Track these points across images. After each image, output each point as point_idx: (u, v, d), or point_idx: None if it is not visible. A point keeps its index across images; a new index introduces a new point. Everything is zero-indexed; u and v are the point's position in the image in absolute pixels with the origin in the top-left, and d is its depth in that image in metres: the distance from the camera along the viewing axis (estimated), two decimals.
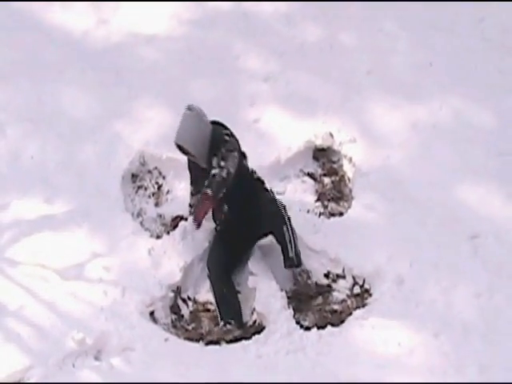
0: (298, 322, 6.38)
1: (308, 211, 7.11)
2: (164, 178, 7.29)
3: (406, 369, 6.00)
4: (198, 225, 6.52)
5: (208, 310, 6.50)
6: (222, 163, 6.37)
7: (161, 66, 8.01)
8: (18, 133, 7.42)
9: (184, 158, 6.89)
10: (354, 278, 6.65)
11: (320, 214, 7.10)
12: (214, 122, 6.61)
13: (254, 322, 6.43)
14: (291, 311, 6.43)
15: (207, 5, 8.63)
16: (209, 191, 6.32)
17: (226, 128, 6.62)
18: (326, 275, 6.70)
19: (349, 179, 7.32)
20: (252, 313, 6.45)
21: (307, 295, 6.59)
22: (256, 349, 6.17)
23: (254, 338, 6.28)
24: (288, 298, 6.51)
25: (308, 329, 6.33)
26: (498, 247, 6.66)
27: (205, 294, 6.56)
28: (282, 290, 6.52)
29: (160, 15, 8.50)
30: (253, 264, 6.63)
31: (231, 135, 6.58)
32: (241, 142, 6.79)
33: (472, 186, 7.09)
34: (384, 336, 6.17)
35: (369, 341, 6.17)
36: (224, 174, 6.34)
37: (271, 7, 8.62)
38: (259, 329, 6.35)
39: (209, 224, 6.69)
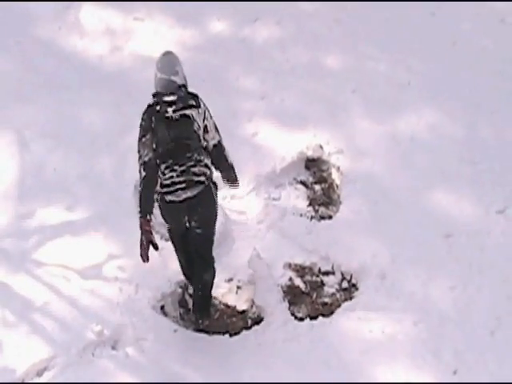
0: (292, 314, 6.39)
1: (301, 215, 7.12)
2: None
3: (388, 354, 6.02)
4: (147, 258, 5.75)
5: (212, 305, 6.48)
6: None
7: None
8: (42, 148, 7.42)
9: None
10: (342, 273, 6.66)
11: (311, 218, 7.11)
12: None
13: (254, 314, 6.43)
14: (286, 304, 6.44)
15: (209, 32, 8.65)
16: (139, 215, 5.68)
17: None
18: (318, 272, 6.70)
19: (337, 186, 7.32)
20: (251, 306, 6.45)
21: (301, 290, 6.59)
22: (255, 338, 6.18)
23: (253, 328, 6.29)
24: (283, 292, 6.52)
25: (302, 320, 6.34)
26: (470, 245, 6.67)
27: None
28: (278, 285, 6.53)
29: (167, 42, 8.47)
30: (251, 262, 6.63)
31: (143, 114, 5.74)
32: (240, 154, 6.82)
33: (446, 191, 7.09)
34: (369, 325, 6.18)
35: (356, 329, 6.18)
36: (140, 181, 5.70)
37: (266, 34, 8.63)
38: (258, 320, 6.36)
39: None
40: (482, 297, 6.34)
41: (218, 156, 5.91)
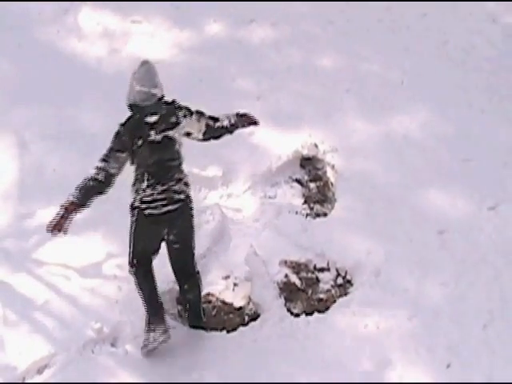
0: (288, 310, 6.38)
1: (296, 212, 7.11)
2: None
3: (383, 349, 6.00)
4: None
5: (209, 302, 6.47)
6: None
7: (165, 88, 7.97)
8: (42, 149, 7.42)
9: (187, 167, 6.94)
10: (337, 270, 6.65)
11: (307, 215, 7.10)
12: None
13: (250, 310, 6.42)
14: (283, 300, 6.43)
15: (206, 34, 8.65)
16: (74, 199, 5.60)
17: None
18: (313, 268, 6.70)
19: (332, 184, 7.32)
20: (248, 303, 6.44)
21: (296, 286, 6.59)
22: (252, 334, 6.17)
23: (250, 324, 6.28)
24: (280, 289, 6.51)
25: (297, 316, 6.33)
26: (462, 241, 6.66)
27: (206, 286, 6.54)
28: (274, 282, 6.53)
29: (164, 44, 8.52)
30: (248, 259, 6.63)
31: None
32: (236, 153, 6.85)
33: (439, 189, 7.09)
34: (364, 320, 6.17)
35: (351, 325, 6.17)
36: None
37: (262, 35, 8.64)
38: (255, 316, 6.35)
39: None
40: (474, 292, 6.33)
41: (214, 132, 5.87)
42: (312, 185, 7.37)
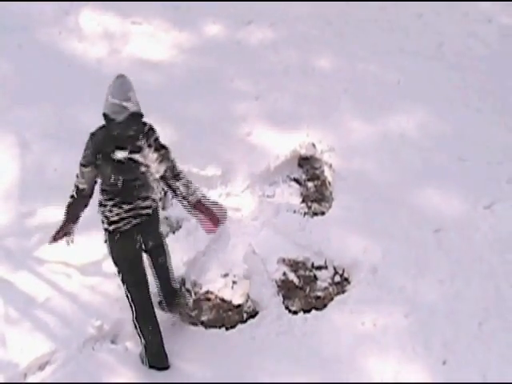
0: (286, 308, 6.38)
1: (294, 211, 7.11)
2: None
3: (380, 345, 6.01)
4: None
5: (209, 299, 6.48)
6: None
7: (165, 88, 8.01)
8: (43, 149, 7.41)
9: (186, 167, 6.96)
10: (334, 268, 6.65)
11: (305, 214, 7.10)
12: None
13: (249, 308, 6.42)
14: (281, 298, 6.43)
15: (205, 35, 8.64)
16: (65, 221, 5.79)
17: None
18: (311, 266, 6.70)
19: (329, 183, 7.32)
20: (247, 300, 6.44)
21: (294, 284, 6.59)
22: (250, 331, 6.17)
23: (248, 322, 6.28)
24: (278, 286, 6.51)
25: (295, 313, 6.33)
26: (458, 240, 6.67)
27: (206, 284, 6.56)
28: (272, 280, 6.53)
29: (164, 45, 8.52)
30: (246, 257, 6.63)
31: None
32: (235, 153, 6.86)
33: (435, 188, 7.09)
34: (361, 318, 6.18)
35: (348, 322, 6.17)
36: None
37: (260, 37, 8.64)
38: (253, 314, 6.35)
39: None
40: (470, 289, 6.34)
41: (169, 187, 5.62)
42: (310, 184, 7.37)
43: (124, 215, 5.53)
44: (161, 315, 6.17)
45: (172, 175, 5.55)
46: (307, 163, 7.49)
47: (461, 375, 5.81)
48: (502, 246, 6.65)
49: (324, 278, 6.62)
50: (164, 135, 7.45)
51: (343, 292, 6.49)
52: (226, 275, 6.62)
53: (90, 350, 6.02)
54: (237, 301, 6.48)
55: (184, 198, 5.62)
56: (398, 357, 5.93)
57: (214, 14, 8.84)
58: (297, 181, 7.39)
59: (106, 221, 5.58)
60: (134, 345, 6.02)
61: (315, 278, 6.64)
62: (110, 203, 5.51)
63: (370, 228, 6.78)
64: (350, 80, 8.15)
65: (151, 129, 5.45)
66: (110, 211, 5.52)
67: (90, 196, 5.60)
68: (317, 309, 6.35)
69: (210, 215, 5.65)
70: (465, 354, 5.91)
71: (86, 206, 5.66)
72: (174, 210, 7.08)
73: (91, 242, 6.65)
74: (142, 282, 5.78)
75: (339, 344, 6.05)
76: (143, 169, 5.42)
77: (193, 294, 6.51)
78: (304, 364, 5.93)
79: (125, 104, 5.27)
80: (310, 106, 7.88)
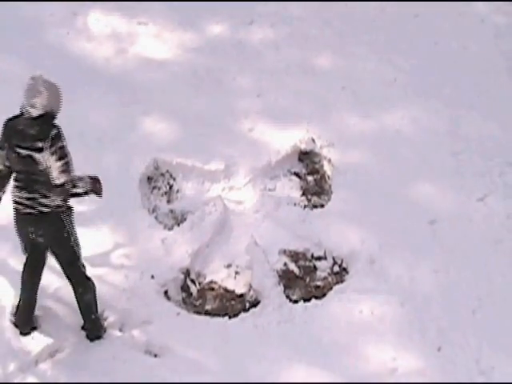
0: (287, 297, 6.36)
1: (295, 204, 7.09)
2: (174, 179, 7.27)
3: (377, 333, 6.01)
4: None
5: (212, 289, 6.48)
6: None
7: (170, 87, 7.99)
8: None
9: (191, 162, 6.98)
10: (333, 258, 6.64)
11: (305, 207, 7.08)
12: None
13: (251, 297, 6.41)
14: (282, 288, 6.41)
15: (208, 35, 8.62)
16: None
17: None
18: (311, 257, 6.69)
19: (328, 177, 7.30)
20: (249, 290, 6.43)
21: (295, 274, 6.58)
22: (253, 320, 6.16)
23: (251, 311, 6.27)
24: (279, 276, 6.49)
25: (296, 302, 6.32)
26: (452, 231, 6.66)
27: (209, 275, 6.56)
28: (273, 270, 6.52)
29: (169, 44, 8.49)
30: (249, 249, 6.62)
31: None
32: (237, 148, 6.84)
33: (430, 181, 7.07)
34: (359, 306, 6.17)
35: (346, 311, 6.16)
36: None
37: (261, 36, 8.61)
38: (255, 303, 6.34)
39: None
40: (464, 279, 6.33)
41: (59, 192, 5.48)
42: (310, 178, 7.35)
43: (23, 201, 5.47)
44: (165, 305, 6.18)
45: (71, 186, 5.50)
46: (307, 158, 7.47)
47: (455, 361, 5.80)
48: (494, 236, 6.64)
49: (323, 268, 6.61)
50: (169, 131, 7.54)
51: (342, 282, 6.48)
52: (229, 266, 6.61)
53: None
54: (239, 290, 6.48)
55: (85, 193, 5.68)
56: (395, 344, 5.93)
57: (217, 15, 8.79)
58: (297, 175, 7.37)
59: (12, 199, 5.54)
60: (139, 333, 6.02)
61: (315, 268, 6.62)
62: (15, 184, 5.49)
63: (368, 220, 6.76)
64: (349, 78, 8.11)
65: (58, 135, 5.34)
66: (13, 192, 5.50)
67: (7, 177, 5.52)
68: (316, 298, 6.34)
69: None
70: (459, 341, 5.90)
71: (3, 186, 5.56)
72: (179, 203, 7.08)
73: (98, 234, 6.66)
74: (29, 271, 5.81)
75: (338, 332, 6.04)
76: (42, 167, 5.32)
77: (197, 285, 6.50)
78: (304, 351, 5.92)
79: (28, 109, 5.29)
80: (310, 102, 7.85)
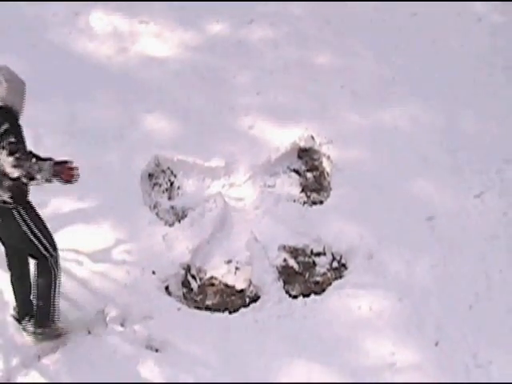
0: (287, 292, 6.35)
1: (294, 200, 7.09)
2: (175, 176, 7.27)
3: (376, 328, 6.00)
4: None
5: (213, 285, 6.47)
6: None
7: (171, 85, 7.99)
8: (55, 143, 7.36)
9: (192, 159, 6.96)
10: (332, 254, 6.63)
11: (304, 203, 7.08)
12: None
13: (251, 292, 6.41)
14: (281, 283, 6.41)
15: (208, 34, 8.62)
16: None
17: None
18: (310, 253, 6.68)
19: (327, 174, 7.29)
20: (249, 285, 6.43)
21: (294, 270, 6.57)
22: (253, 315, 6.15)
23: (251, 306, 6.27)
24: (278, 272, 6.49)
25: (295, 297, 6.31)
26: (450, 226, 6.65)
27: (210, 270, 6.55)
28: (273, 266, 6.51)
29: (170, 43, 8.49)
30: (249, 245, 6.62)
31: None
32: (237, 145, 6.83)
33: (428, 178, 7.06)
34: (358, 301, 6.16)
35: (345, 306, 6.16)
36: None
37: (261, 35, 8.60)
38: (255, 298, 6.33)
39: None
40: (461, 274, 6.32)
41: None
42: (309, 174, 7.34)
43: None
44: (166, 301, 6.18)
45: (28, 178, 5.22)
46: (306, 155, 7.46)
47: (452, 355, 5.79)
48: (491, 232, 6.62)
49: (322, 263, 6.60)
50: (170, 129, 7.54)
51: (341, 277, 6.47)
52: (229, 262, 6.61)
53: (100, 332, 6.00)
54: (240, 286, 6.47)
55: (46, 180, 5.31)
56: (393, 338, 5.92)
57: (217, 14, 8.79)
58: (296, 171, 7.37)
59: None
60: (141, 328, 6.01)
61: (314, 263, 6.62)
62: None
63: (366, 216, 6.75)
64: (347, 76, 8.10)
65: (8, 130, 5.18)
66: None
67: None
68: (316, 293, 6.33)
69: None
70: (456, 336, 5.89)
71: None
72: (180, 199, 7.08)
73: (100, 230, 6.66)
74: (15, 274, 5.82)
75: (337, 326, 6.03)
76: None
77: (198, 280, 6.50)
78: (304, 345, 5.92)
79: None
80: (309, 100, 7.84)
